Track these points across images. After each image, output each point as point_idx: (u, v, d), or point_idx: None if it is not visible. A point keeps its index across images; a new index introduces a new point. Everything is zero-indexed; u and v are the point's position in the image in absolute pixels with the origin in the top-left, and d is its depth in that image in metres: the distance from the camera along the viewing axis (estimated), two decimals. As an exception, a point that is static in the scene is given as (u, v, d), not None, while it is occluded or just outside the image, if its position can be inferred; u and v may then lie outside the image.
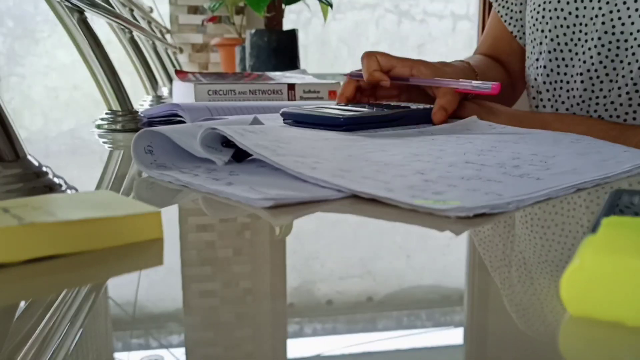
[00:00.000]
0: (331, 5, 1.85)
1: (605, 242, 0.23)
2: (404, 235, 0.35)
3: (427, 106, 0.70)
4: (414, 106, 0.70)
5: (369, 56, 0.74)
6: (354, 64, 0.91)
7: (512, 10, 0.93)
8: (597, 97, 0.76)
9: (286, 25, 1.81)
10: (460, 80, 0.70)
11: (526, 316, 0.23)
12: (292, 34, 1.66)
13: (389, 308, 0.26)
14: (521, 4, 0.92)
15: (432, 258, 0.32)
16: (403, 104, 0.71)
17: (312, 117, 0.63)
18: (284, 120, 0.66)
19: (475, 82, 0.67)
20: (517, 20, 0.93)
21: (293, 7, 1.88)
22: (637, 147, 0.61)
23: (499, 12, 0.95)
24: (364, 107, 0.68)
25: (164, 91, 1.66)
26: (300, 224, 0.38)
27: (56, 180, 0.37)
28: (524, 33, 0.92)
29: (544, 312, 0.23)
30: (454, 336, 0.24)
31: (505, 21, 0.94)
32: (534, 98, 0.87)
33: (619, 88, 0.74)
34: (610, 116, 0.76)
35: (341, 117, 0.61)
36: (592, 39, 0.75)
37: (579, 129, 0.65)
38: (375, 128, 0.63)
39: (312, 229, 0.38)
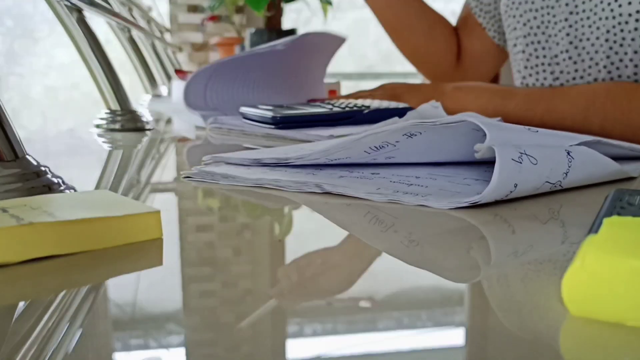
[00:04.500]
0: (331, 4, 1.85)
1: (606, 242, 0.23)
2: (403, 235, 0.35)
3: (393, 105, 0.72)
4: (376, 105, 0.73)
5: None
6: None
7: (481, 3, 0.98)
8: (581, 77, 0.77)
9: (286, 25, 1.81)
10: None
11: (527, 316, 0.23)
12: (292, 33, 1.66)
13: (389, 308, 0.26)
14: (495, 2, 0.96)
15: (432, 257, 0.32)
16: (362, 104, 0.75)
17: (254, 115, 0.73)
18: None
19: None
20: (486, 12, 0.98)
21: (293, 6, 1.88)
22: (513, 111, 0.69)
23: (472, 9, 1.00)
24: (321, 106, 0.74)
25: (163, 90, 1.66)
26: (301, 224, 0.38)
27: (55, 180, 0.37)
28: (492, 25, 0.98)
29: (544, 312, 0.23)
30: (454, 336, 0.24)
31: (475, 13, 0.99)
32: (520, 84, 0.88)
33: (597, 64, 0.75)
34: None
35: (278, 115, 0.69)
36: (561, 21, 0.77)
37: (471, 95, 0.73)
38: (312, 126, 0.69)
39: (312, 229, 0.38)
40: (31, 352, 0.21)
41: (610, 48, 0.72)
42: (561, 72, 0.79)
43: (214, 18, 2.85)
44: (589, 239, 0.23)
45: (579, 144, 0.42)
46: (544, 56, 0.81)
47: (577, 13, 0.75)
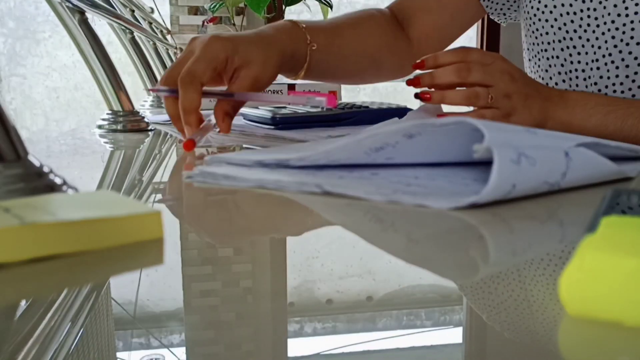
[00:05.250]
0: (331, 6, 1.85)
1: (604, 241, 0.23)
2: (403, 235, 0.35)
3: (388, 106, 0.72)
4: (377, 106, 0.72)
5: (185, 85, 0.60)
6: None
7: None
8: (613, 84, 0.74)
9: (287, 26, 1.81)
10: (293, 94, 0.68)
11: (525, 316, 0.23)
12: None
13: (388, 307, 0.26)
14: None
15: (431, 257, 0.32)
16: (360, 104, 0.75)
17: (254, 116, 0.74)
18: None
19: (309, 97, 0.60)
20: None
21: (293, 8, 1.88)
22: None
23: None
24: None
25: (165, 91, 1.66)
26: (300, 224, 0.38)
27: (57, 180, 0.37)
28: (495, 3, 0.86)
29: (542, 312, 0.23)
30: (453, 335, 0.24)
31: None
32: None
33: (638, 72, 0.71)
34: None
35: (277, 116, 0.69)
36: (605, 23, 0.72)
37: (596, 115, 0.63)
38: (311, 127, 0.70)
39: (312, 229, 0.38)
40: (33, 352, 0.21)
41: None
42: (600, 77, 0.75)
43: (215, 19, 2.86)
44: (587, 239, 0.23)
45: (577, 145, 0.42)
46: (579, 62, 0.77)
47: (627, 15, 0.70)
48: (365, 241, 0.34)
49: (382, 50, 0.84)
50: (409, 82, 0.63)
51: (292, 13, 3.22)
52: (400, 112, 0.70)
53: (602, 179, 0.43)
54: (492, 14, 0.89)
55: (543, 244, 0.32)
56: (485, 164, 0.46)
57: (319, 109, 0.72)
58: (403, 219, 0.37)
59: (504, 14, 0.89)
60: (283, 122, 0.69)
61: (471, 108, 0.64)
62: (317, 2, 1.88)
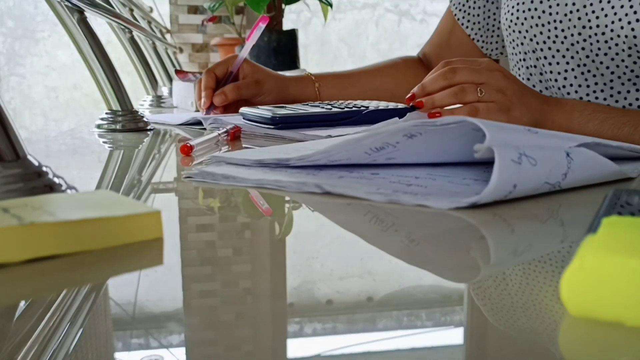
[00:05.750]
0: (331, 5, 1.85)
1: (605, 242, 0.23)
2: (403, 235, 0.35)
3: (388, 105, 0.71)
4: (375, 106, 0.72)
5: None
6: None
7: (469, 14, 0.97)
8: (594, 92, 0.75)
9: (286, 25, 1.81)
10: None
11: (526, 316, 0.23)
12: (292, 34, 1.66)
13: (389, 308, 0.26)
14: (480, 7, 0.96)
15: (432, 257, 0.32)
16: (361, 104, 0.74)
17: (254, 116, 0.73)
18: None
19: None
20: (474, 23, 0.97)
21: (293, 7, 1.88)
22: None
23: (455, 15, 0.99)
24: (320, 106, 0.73)
25: (164, 91, 1.66)
26: (300, 224, 0.38)
27: (56, 180, 0.37)
28: (481, 36, 0.97)
29: (543, 312, 0.23)
30: (453, 336, 0.24)
31: (462, 24, 0.98)
32: None
33: (619, 77, 0.73)
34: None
35: (277, 115, 0.69)
36: (572, 35, 0.75)
37: (593, 121, 0.64)
38: (311, 127, 0.69)
39: (312, 229, 0.38)
40: (32, 352, 0.21)
41: (635, 62, 0.70)
42: (580, 85, 0.77)
43: (214, 19, 2.86)
44: (588, 239, 0.23)
45: (578, 146, 0.42)
46: (551, 71, 0.79)
47: (591, 27, 0.72)
48: (365, 241, 0.34)
49: (400, 87, 0.94)
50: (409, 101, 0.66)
51: (292, 12, 3.22)
52: (400, 112, 0.70)
53: (603, 179, 0.43)
54: (491, 55, 1.00)
55: (544, 244, 0.32)
56: (486, 164, 0.46)
57: (320, 109, 0.72)
58: (403, 219, 0.37)
59: (501, 53, 1.00)
60: (283, 122, 0.69)
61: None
62: (316, 1, 1.88)
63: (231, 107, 0.86)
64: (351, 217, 0.37)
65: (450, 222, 0.35)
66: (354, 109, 0.71)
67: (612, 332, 0.21)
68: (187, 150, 0.58)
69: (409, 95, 0.64)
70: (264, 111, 0.71)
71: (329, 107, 0.73)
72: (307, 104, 0.79)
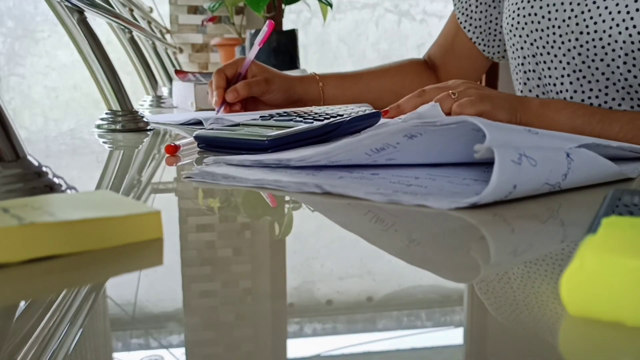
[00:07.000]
0: (331, 5, 1.85)
1: (605, 242, 0.23)
2: (403, 235, 0.35)
3: (364, 110, 0.69)
4: (348, 112, 0.65)
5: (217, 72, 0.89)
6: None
7: (471, 18, 0.99)
8: (589, 98, 0.76)
9: (286, 25, 1.81)
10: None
11: (526, 316, 0.23)
12: (292, 34, 1.66)
13: (389, 308, 0.26)
14: (481, 11, 0.97)
15: (432, 257, 0.32)
16: (332, 111, 0.65)
17: (230, 141, 0.56)
18: (198, 145, 0.59)
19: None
20: (476, 27, 0.99)
21: (293, 7, 1.88)
22: (618, 135, 0.63)
23: (458, 19, 1.00)
24: (290, 119, 0.61)
25: (164, 91, 1.66)
26: (300, 224, 0.38)
27: (56, 180, 0.37)
28: (482, 39, 0.99)
29: (543, 312, 0.23)
30: (453, 336, 0.24)
31: (464, 27, 1.00)
32: None
33: (614, 84, 0.74)
34: None
35: (265, 139, 0.54)
36: (570, 40, 0.75)
37: (563, 113, 0.67)
38: (306, 144, 0.57)
39: (312, 229, 0.38)
40: (32, 352, 0.21)
41: (629, 71, 0.71)
42: (575, 91, 0.77)
43: (214, 19, 2.86)
44: (588, 239, 0.23)
45: (578, 146, 0.42)
46: (550, 76, 0.80)
47: (589, 33, 0.73)
48: (366, 241, 0.34)
49: (403, 87, 0.96)
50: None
51: (291, 12, 3.22)
52: (375, 115, 0.65)
53: (603, 180, 0.43)
54: (492, 57, 1.02)
55: (544, 244, 0.32)
56: (486, 164, 0.46)
57: (306, 123, 0.60)
58: (403, 219, 0.37)
59: (502, 57, 1.01)
60: (274, 145, 0.55)
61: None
62: (316, 1, 1.88)
63: (239, 108, 0.89)
64: (351, 217, 0.37)
65: (450, 222, 0.35)
66: (331, 119, 0.61)
67: (612, 332, 0.21)
68: (172, 150, 0.58)
69: (384, 109, 0.69)
70: (249, 133, 0.57)
71: (311, 119, 0.62)
72: (273, 115, 0.65)
